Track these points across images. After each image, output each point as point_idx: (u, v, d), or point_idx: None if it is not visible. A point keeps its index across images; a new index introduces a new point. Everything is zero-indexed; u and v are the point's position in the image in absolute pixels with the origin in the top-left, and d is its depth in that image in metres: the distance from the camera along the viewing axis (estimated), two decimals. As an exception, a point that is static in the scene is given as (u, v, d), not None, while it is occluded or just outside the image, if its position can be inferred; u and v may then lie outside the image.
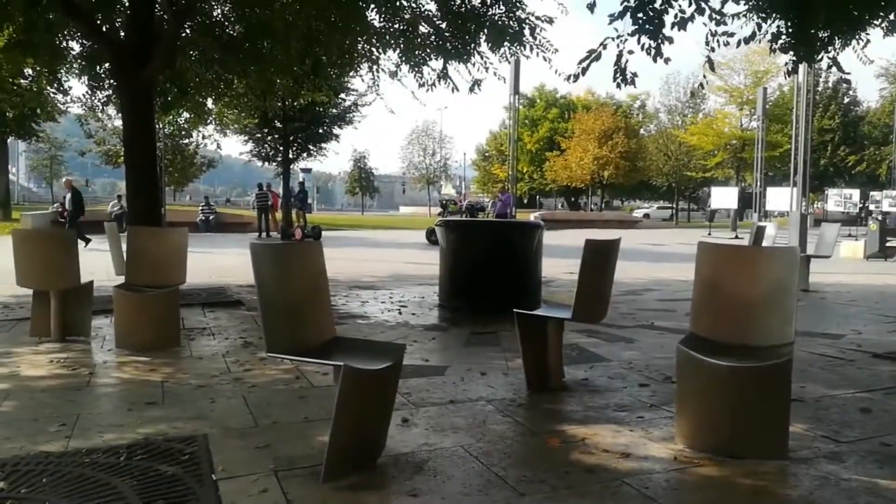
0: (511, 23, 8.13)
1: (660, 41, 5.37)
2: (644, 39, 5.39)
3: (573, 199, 61.21)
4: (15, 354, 5.12)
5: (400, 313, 7.39)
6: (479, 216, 24.89)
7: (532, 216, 32.71)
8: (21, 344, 5.47)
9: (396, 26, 8.67)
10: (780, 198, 24.85)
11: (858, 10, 5.81)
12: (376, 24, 8.63)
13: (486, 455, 3.15)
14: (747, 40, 6.11)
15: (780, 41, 6.07)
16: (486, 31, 8.21)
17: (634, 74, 5.71)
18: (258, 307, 3.03)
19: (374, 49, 9.16)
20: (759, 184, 25.33)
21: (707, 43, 5.85)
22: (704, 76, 6.12)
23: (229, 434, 3.40)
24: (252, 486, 2.76)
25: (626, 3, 5.45)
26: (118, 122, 12.42)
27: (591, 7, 5.57)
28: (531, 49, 8.33)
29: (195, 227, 23.83)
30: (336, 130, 25.25)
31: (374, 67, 9.56)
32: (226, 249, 16.40)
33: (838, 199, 31.07)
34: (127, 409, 3.85)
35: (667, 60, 5.53)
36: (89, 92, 10.11)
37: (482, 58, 8.70)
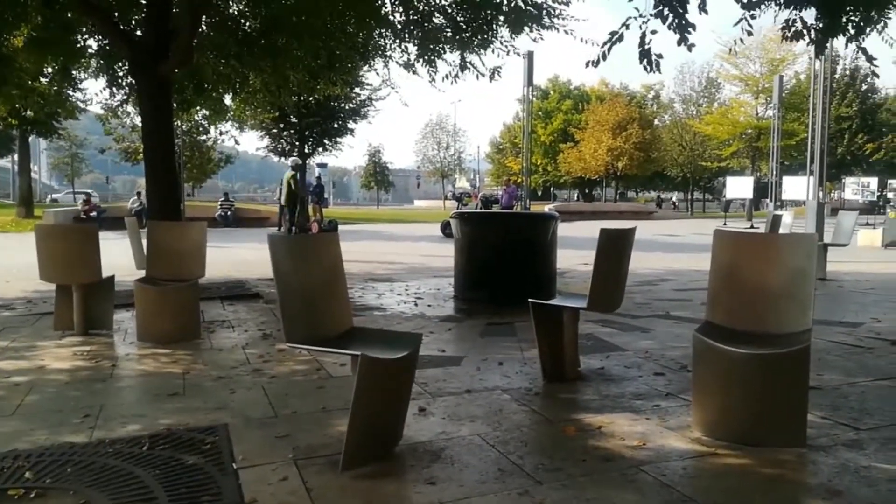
0: (528, 7, 8.08)
1: (684, 24, 5.22)
2: (669, 18, 5.21)
3: (587, 190, 60.95)
4: (39, 348, 5.21)
5: (416, 305, 7.42)
6: (494, 208, 24.86)
7: (546, 208, 32.60)
8: (45, 337, 5.56)
9: (411, 18, 8.67)
10: (797, 187, 24.62)
11: None
12: (391, 17, 8.63)
13: (502, 443, 3.17)
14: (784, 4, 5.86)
15: (794, 28, 5.95)
16: (502, 17, 8.17)
17: (659, 56, 5.50)
18: (276, 299, 3.07)
19: (388, 42, 9.17)
20: (774, 173, 25.07)
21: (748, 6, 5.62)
22: (741, 39, 5.91)
23: (249, 424, 3.45)
24: (272, 475, 2.80)
25: None
26: (137, 120, 12.51)
27: None
28: (553, 28, 8.26)
29: (214, 221, 24.01)
30: (351, 125, 25.32)
31: (388, 61, 9.57)
32: (244, 244, 16.52)
33: (856, 187, 30.72)
34: (149, 400, 3.92)
35: (690, 47, 5.40)
36: (108, 88, 10.21)
37: (502, 43, 8.68)
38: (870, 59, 6.15)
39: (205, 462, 2.91)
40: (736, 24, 5.79)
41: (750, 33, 5.75)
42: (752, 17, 5.72)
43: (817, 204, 15.32)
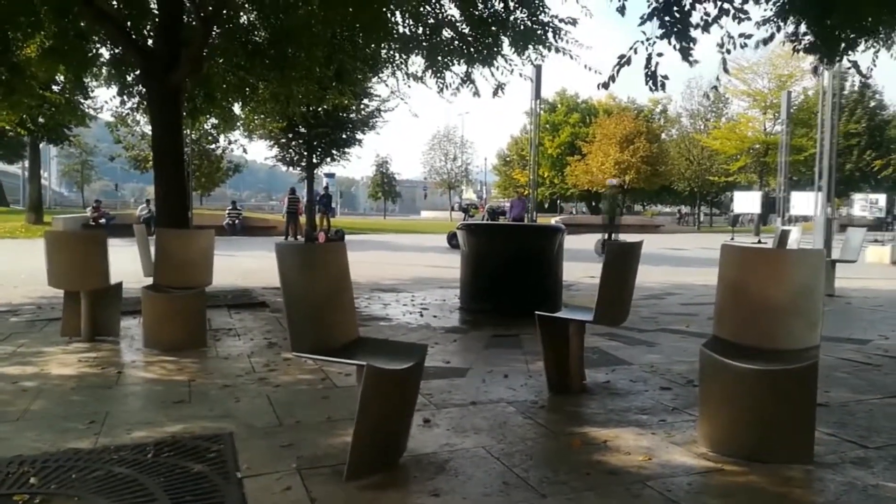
0: (534, 26, 8.14)
1: (688, 43, 5.35)
2: (673, 41, 5.38)
3: (594, 203, 60.91)
4: (46, 353, 5.23)
5: (421, 316, 7.42)
6: (500, 220, 24.87)
7: (553, 220, 32.59)
8: (52, 343, 5.59)
9: (420, 31, 8.73)
10: (805, 202, 24.55)
11: (875, 11, 5.73)
12: (400, 29, 8.69)
13: (507, 456, 3.16)
14: (766, 41, 6.09)
15: (804, 42, 6.02)
16: (509, 34, 8.23)
17: (665, 77, 5.65)
18: (283, 308, 3.07)
19: (397, 54, 9.23)
20: (782, 188, 25.01)
21: (722, 45, 5.79)
22: (718, 77, 6.06)
23: (254, 433, 3.45)
24: (276, 484, 2.80)
25: (653, 6, 5.45)
26: (147, 128, 12.62)
27: (622, 10, 5.58)
28: (556, 51, 8.33)
29: (222, 230, 24.09)
30: (359, 135, 25.41)
31: (398, 72, 9.64)
32: (251, 252, 16.57)
33: (864, 203, 30.61)
34: (154, 407, 3.92)
35: (693, 63, 5.51)
36: (119, 97, 10.29)
37: (506, 61, 8.74)
38: (861, 73, 6.29)
39: (209, 470, 2.91)
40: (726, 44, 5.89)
41: (745, 45, 5.86)
42: (742, 34, 5.84)
43: (825, 220, 15.25)
